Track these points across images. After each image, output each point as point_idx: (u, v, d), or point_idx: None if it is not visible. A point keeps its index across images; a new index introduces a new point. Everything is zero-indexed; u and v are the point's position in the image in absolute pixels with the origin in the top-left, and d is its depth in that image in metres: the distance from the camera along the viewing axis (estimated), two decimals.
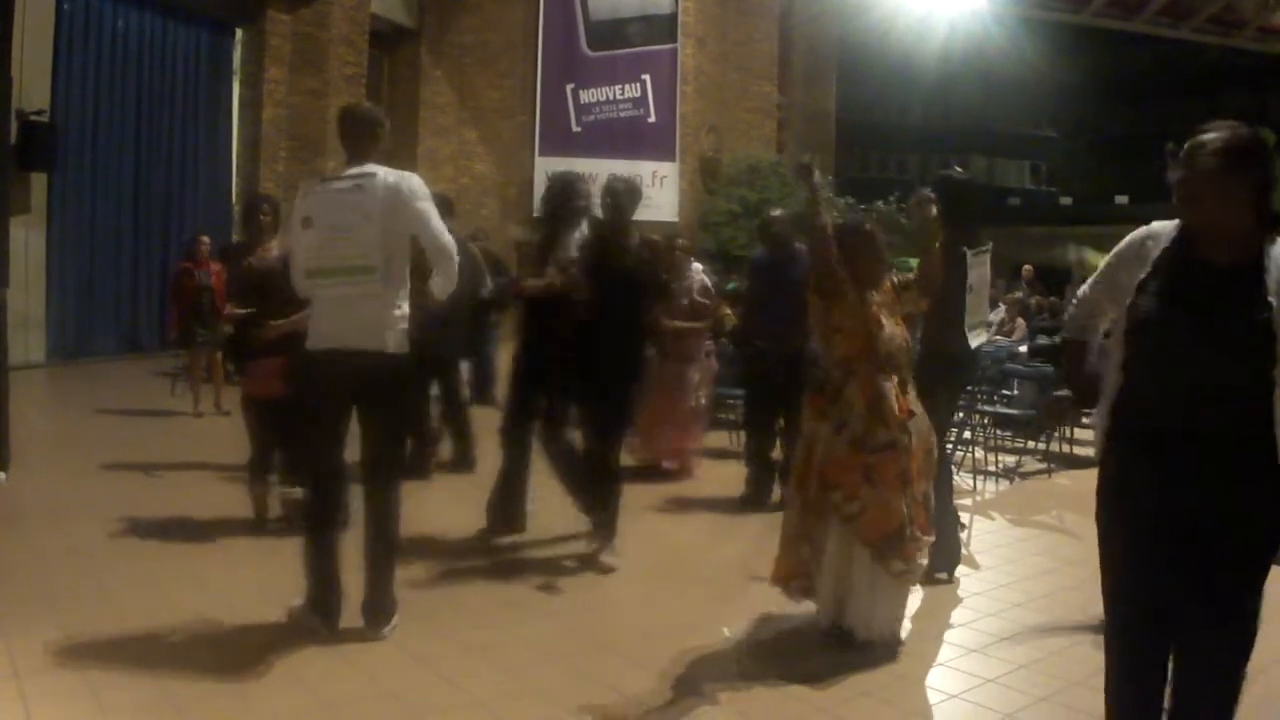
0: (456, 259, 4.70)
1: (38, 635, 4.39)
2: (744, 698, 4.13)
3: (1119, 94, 44.50)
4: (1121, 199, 29.85)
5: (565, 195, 6.24)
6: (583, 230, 6.16)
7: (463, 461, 8.26)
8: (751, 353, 7.88)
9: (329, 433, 4.69)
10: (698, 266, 9.26)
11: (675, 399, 8.26)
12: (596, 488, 5.94)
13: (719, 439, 9.69)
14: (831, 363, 4.82)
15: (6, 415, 7.40)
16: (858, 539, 4.60)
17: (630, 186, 6.05)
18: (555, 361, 5.99)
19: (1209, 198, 2.85)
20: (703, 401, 8.61)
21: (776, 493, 7.25)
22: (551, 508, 6.40)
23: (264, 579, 5.36)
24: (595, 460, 5.96)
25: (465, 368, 8.46)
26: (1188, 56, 39.53)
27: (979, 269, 5.68)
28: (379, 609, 4.60)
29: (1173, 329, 2.89)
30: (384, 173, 4.63)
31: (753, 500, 7.55)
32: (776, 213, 8.06)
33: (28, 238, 13.45)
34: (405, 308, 4.62)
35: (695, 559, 6.32)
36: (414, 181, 4.67)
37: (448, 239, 4.67)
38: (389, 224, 4.54)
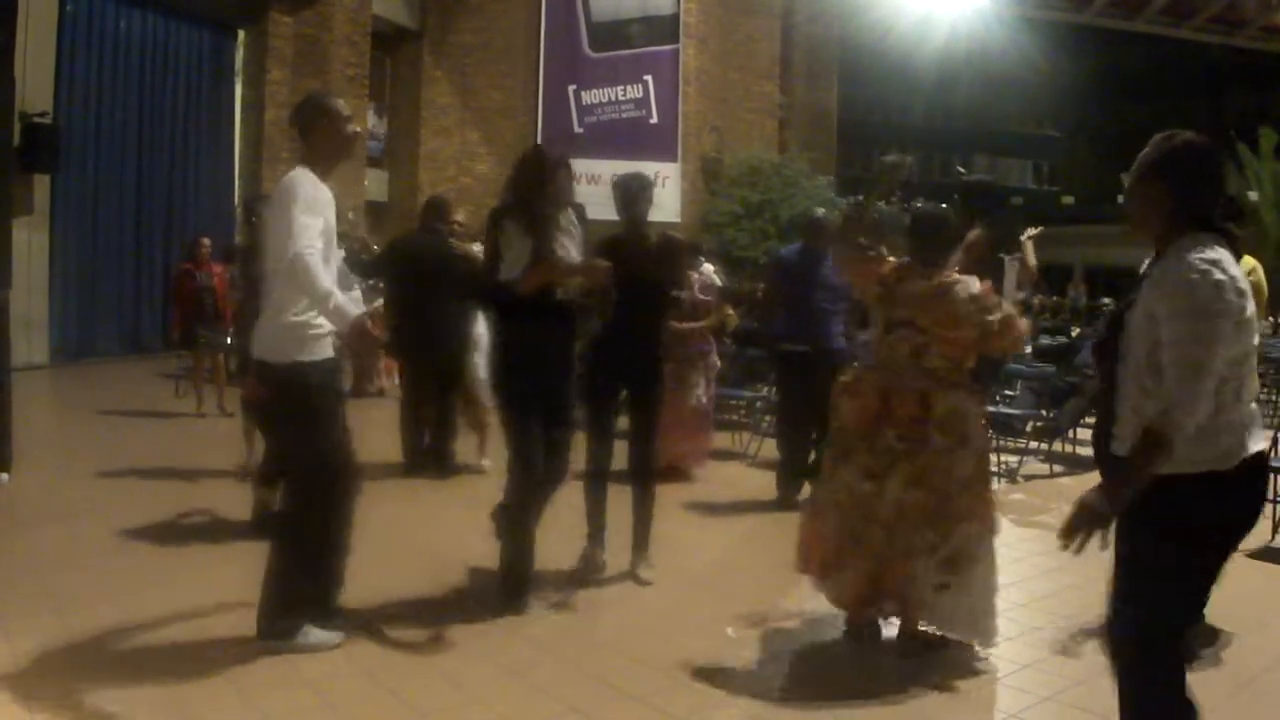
0: (313, 280, 4.10)
1: (40, 635, 4.39)
2: (750, 700, 4.13)
3: (1121, 93, 44.49)
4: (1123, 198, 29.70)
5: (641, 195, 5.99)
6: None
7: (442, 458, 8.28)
8: (785, 355, 7.63)
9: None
10: (709, 267, 9.23)
11: (679, 400, 8.21)
12: (644, 500, 5.80)
13: (722, 439, 9.68)
14: (927, 371, 4.60)
15: (9, 416, 7.40)
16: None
17: (644, 183, 5.97)
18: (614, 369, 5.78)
19: (1130, 206, 3.01)
20: (704, 401, 8.55)
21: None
22: (567, 516, 6.33)
23: None
24: (644, 470, 5.82)
25: (480, 365, 8.37)
26: (1190, 56, 39.54)
27: (1010, 273, 5.70)
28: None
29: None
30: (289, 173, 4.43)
31: (783, 505, 7.31)
32: (819, 211, 7.90)
33: (31, 239, 13.48)
34: (295, 318, 4.28)
35: (711, 561, 6.30)
36: (286, 182, 4.31)
37: (293, 256, 4.11)
38: (272, 231, 4.35)
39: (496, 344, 5.44)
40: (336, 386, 4.56)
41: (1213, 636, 4.67)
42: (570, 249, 5.12)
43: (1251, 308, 2.85)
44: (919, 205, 5.32)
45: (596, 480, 5.72)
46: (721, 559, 6.42)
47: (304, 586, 4.44)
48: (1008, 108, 46.45)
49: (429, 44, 22.02)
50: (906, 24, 24.04)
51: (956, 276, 4.66)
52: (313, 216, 4.21)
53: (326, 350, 4.40)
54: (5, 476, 7.20)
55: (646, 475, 5.74)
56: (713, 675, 4.30)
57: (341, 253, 4.90)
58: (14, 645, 4.26)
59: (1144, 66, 43.45)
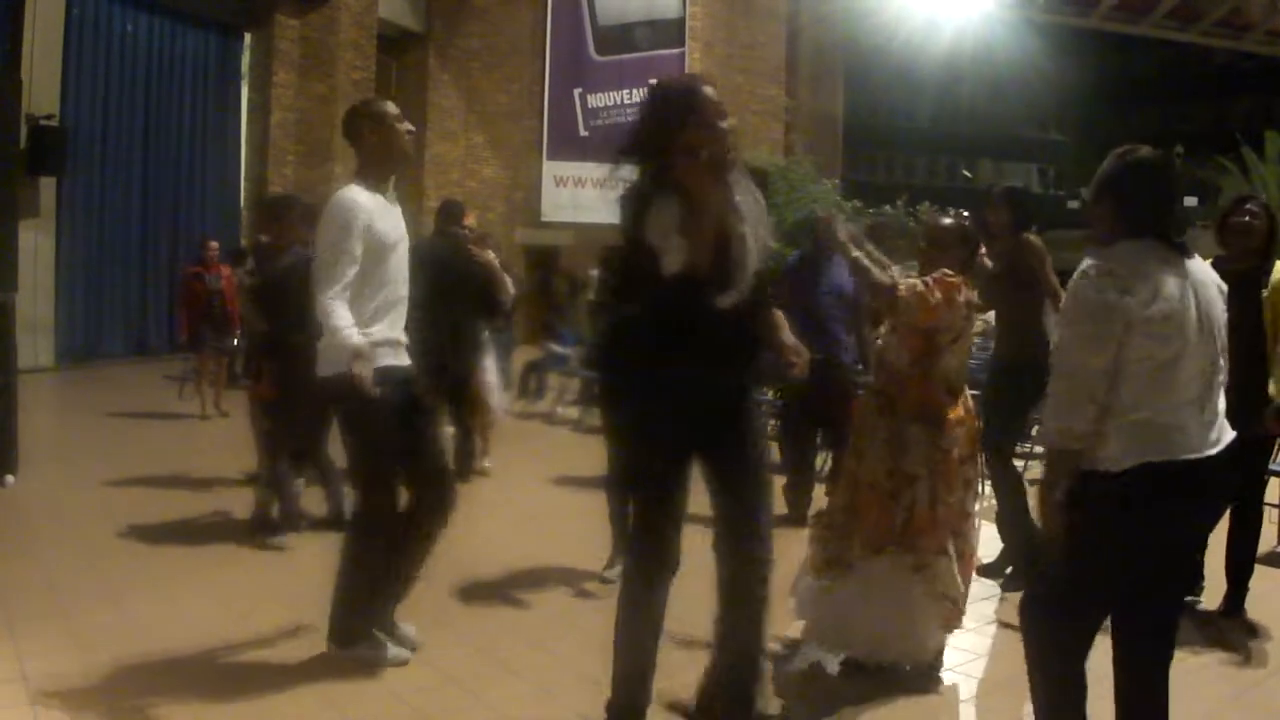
0: (333, 326, 4.13)
1: (46, 638, 4.39)
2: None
3: (1127, 97, 44.46)
4: None
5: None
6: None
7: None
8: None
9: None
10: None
11: None
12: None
13: None
14: (943, 375, 4.46)
15: (15, 419, 7.42)
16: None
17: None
18: None
19: (1091, 218, 3.17)
20: None
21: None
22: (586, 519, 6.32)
23: (274, 583, 5.37)
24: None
25: (491, 369, 8.37)
26: (1195, 60, 39.53)
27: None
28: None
29: None
30: (340, 189, 4.39)
31: (794, 520, 6.92)
32: (826, 214, 7.79)
33: (37, 241, 13.52)
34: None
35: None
36: (330, 206, 4.30)
37: (319, 301, 4.16)
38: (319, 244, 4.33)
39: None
40: (398, 397, 4.37)
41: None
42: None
43: (1170, 309, 2.87)
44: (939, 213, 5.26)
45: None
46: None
47: (374, 597, 4.38)
48: (1013, 111, 46.37)
49: (434, 47, 22.04)
50: (912, 27, 24.03)
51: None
52: (345, 247, 4.17)
53: (384, 359, 4.29)
54: (11, 479, 7.21)
55: None
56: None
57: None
58: (19, 646, 4.26)
59: (1150, 70, 43.44)
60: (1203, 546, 5.22)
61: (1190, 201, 28.50)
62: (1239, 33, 25.13)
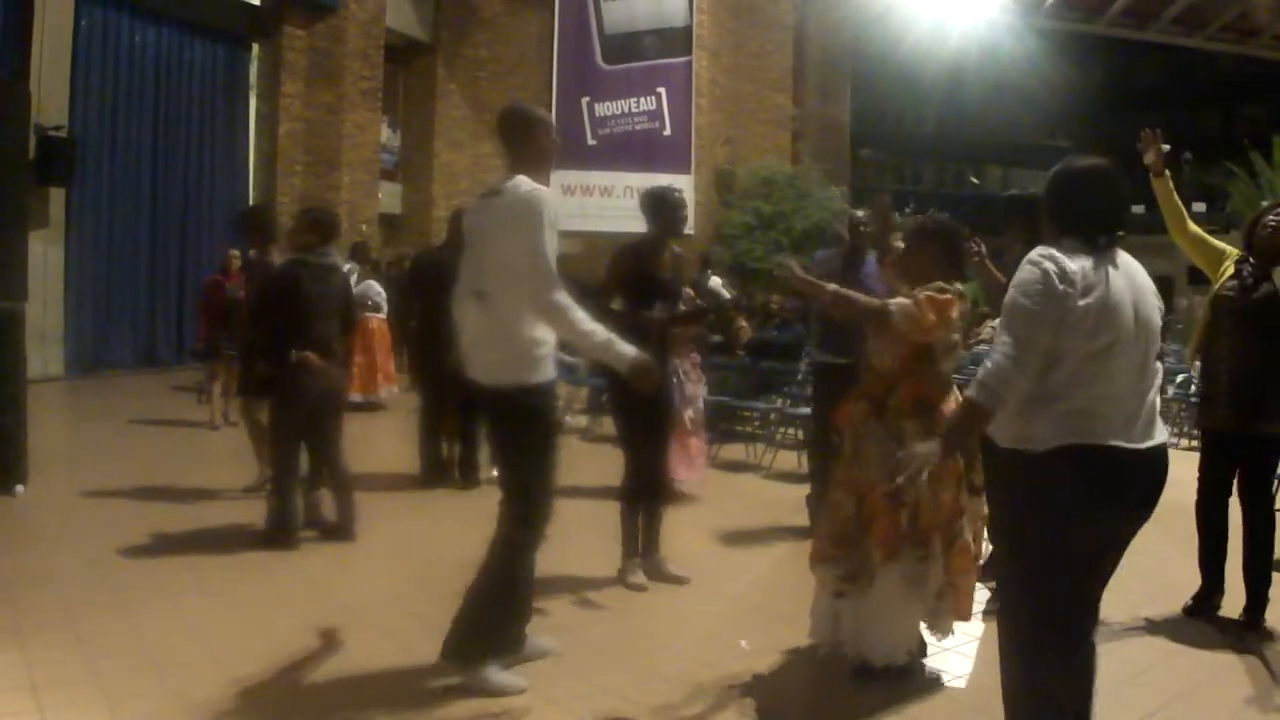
0: (579, 330, 4.03)
1: (55, 647, 4.40)
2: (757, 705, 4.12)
3: (1133, 103, 44.32)
4: (1137, 208, 29.54)
5: (679, 209, 6.02)
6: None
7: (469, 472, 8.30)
8: (822, 367, 7.18)
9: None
10: (717, 280, 9.15)
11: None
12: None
13: (735, 451, 9.67)
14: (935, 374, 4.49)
15: (25, 428, 7.44)
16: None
17: (681, 200, 6.02)
18: None
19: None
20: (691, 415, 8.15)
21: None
22: (594, 529, 6.31)
23: (283, 591, 5.38)
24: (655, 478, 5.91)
25: None
26: (1202, 65, 39.46)
27: None
28: None
29: None
30: (520, 186, 4.14)
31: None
32: (859, 212, 7.64)
33: (46, 252, 13.55)
34: (527, 338, 4.09)
35: (730, 574, 6.28)
36: (528, 197, 4.08)
37: (551, 300, 4.00)
38: (505, 245, 4.10)
39: None
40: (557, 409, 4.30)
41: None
42: None
43: (1100, 304, 3.01)
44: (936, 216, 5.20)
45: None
46: (740, 571, 6.38)
47: (502, 620, 4.26)
48: (1019, 118, 46.28)
49: (442, 57, 22.08)
50: (918, 35, 24.02)
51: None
52: (553, 244, 4.03)
53: (552, 371, 4.21)
54: (21, 488, 7.23)
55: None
56: (722, 688, 4.29)
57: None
58: (28, 656, 4.26)
59: (1156, 76, 43.37)
60: (1222, 556, 5.23)
61: (1199, 207, 28.48)
62: (1246, 38, 25.11)
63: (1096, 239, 3.13)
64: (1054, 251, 3.08)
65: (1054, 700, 3.10)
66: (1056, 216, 3.24)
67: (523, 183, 4.12)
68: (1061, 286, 2.99)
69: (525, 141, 4.30)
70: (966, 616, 4.48)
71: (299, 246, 6.62)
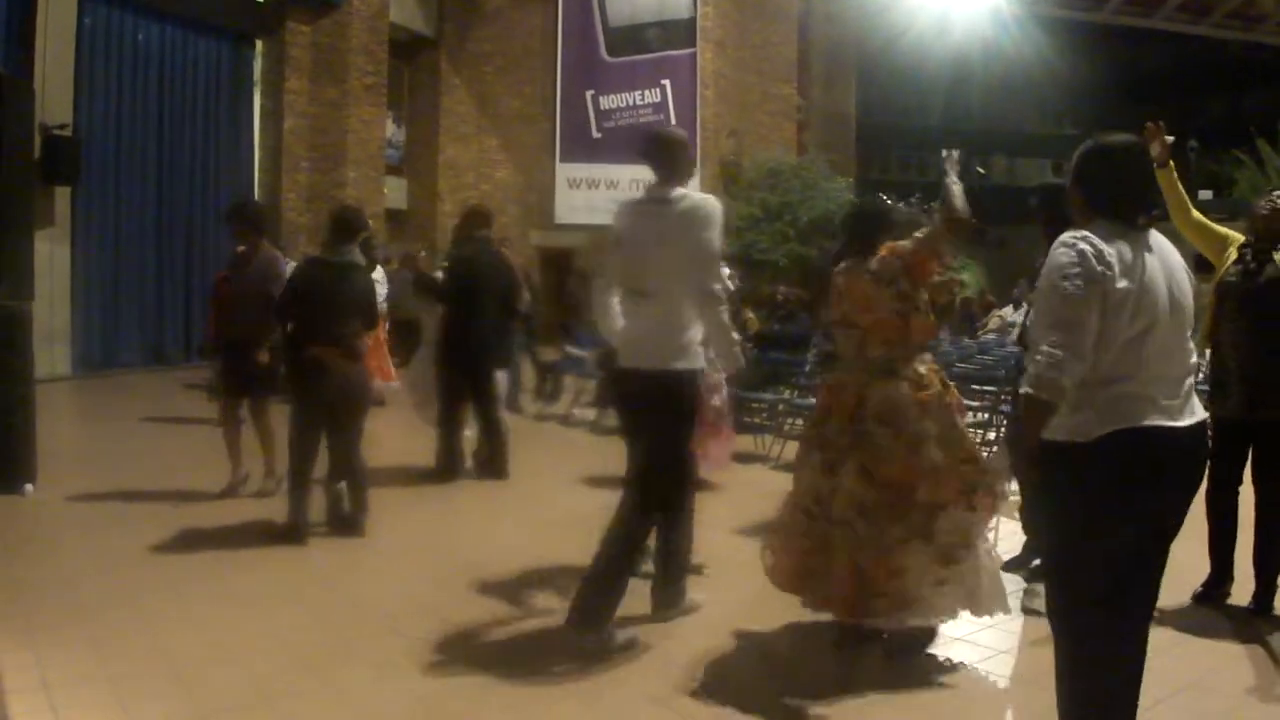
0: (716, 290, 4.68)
1: (67, 646, 4.39)
2: (762, 703, 4.11)
3: (1139, 91, 44.21)
4: None
5: None
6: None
7: (494, 467, 8.30)
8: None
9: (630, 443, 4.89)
10: (725, 271, 9.09)
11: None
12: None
13: (744, 442, 9.65)
14: (868, 361, 4.66)
15: (33, 428, 7.44)
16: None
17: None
18: None
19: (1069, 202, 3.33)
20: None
21: None
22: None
23: (294, 589, 5.37)
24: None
25: (502, 377, 8.48)
26: (1207, 53, 39.32)
27: None
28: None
29: None
30: (685, 196, 4.71)
31: None
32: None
33: (52, 251, 13.56)
34: (692, 332, 4.68)
35: (729, 565, 6.26)
36: (706, 206, 4.67)
37: (716, 292, 4.66)
38: (676, 248, 4.62)
39: None
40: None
41: None
42: None
43: (1136, 286, 2.96)
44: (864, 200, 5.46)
45: None
46: (751, 560, 6.36)
47: (624, 585, 4.64)
48: (1025, 107, 46.18)
49: (446, 52, 22.09)
50: (923, 25, 23.99)
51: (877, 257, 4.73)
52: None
53: (702, 361, 4.78)
54: (30, 487, 7.23)
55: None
56: (743, 682, 4.28)
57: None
58: (40, 655, 4.26)
59: (1162, 64, 43.21)
60: (1232, 544, 5.21)
61: (1205, 195, 28.40)
62: (1252, 24, 25.05)
63: (1135, 219, 3.07)
64: (1087, 233, 3.00)
65: (1099, 700, 3.05)
66: (1090, 198, 3.14)
67: (687, 193, 4.73)
68: (1099, 268, 2.92)
69: (677, 159, 4.84)
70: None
71: (325, 245, 6.71)
